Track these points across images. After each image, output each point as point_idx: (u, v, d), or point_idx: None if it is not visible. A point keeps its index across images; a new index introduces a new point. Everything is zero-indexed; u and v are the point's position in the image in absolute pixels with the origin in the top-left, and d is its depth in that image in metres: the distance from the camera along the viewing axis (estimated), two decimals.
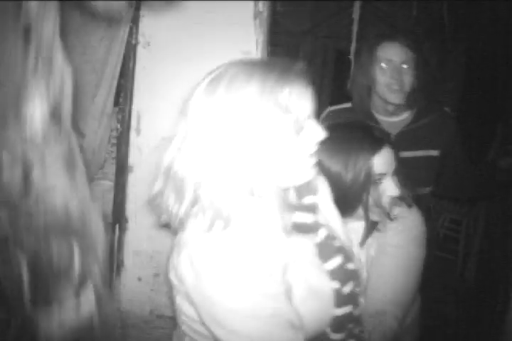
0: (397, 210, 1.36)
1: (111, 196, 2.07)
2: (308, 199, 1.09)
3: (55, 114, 0.74)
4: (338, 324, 1.05)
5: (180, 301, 1.02)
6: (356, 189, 1.27)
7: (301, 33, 3.67)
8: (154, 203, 1.02)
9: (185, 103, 1.01)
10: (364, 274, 1.30)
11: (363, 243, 1.36)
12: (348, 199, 1.27)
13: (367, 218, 1.30)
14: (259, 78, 0.97)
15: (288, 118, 0.97)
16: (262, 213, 1.01)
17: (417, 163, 1.82)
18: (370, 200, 1.28)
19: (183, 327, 1.06)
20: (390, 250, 1.34)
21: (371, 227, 1.36)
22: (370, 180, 1.27)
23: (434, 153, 1.85)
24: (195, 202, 0.98)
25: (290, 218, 1.02)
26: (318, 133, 1.01)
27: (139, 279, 2.04)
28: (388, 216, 1.34)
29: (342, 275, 1.07)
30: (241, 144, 0.96)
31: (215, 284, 0.93)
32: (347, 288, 1.06)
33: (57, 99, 0.72)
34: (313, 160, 1.03)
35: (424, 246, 1.38)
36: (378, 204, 1.29)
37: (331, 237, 1.10)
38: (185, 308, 1.02)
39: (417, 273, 1.35)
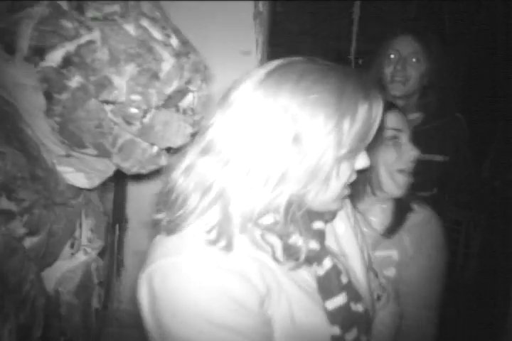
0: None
1: (111, 196, 2.07)
2: (317, 225, 0.91)
3: None
4: None
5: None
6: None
7: (301, 33, 3.67)
8: (163, 198, 0.87)
9: (229, 94, 0.85)
10: (379, 314, 1.10)
11: (391, 231, 1.22)
12: None
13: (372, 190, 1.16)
14: (337, 81, 0.80)
15: (354, 137, 0.81)
16: (256, 234, 0.85)
17: (421, 166, 1.82)
18: (384, 168, 1.14)
19: None
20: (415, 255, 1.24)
21: (401, 213, 1.22)
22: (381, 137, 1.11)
23: (439, 158, 1.83)
24: (206, 207, 0.83)
25: (298, 242, 0.85)
26: (365, 162, 0.88)
27: None
28: (402, 187, 1.19)
29: (345, 318, 0.87)
30: (292, 149, 0.79)
31: (171, 312, 0.78)
32: (350, 336, 0.87)
33: None
34: (347, 192, 0.89)
35: (444, 247, 1.29)
36: (395, 170, 1.17)
37: (337, 271, 0.91)
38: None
39: (441, 276, 1.27)
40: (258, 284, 0.81)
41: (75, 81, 0.79)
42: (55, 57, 0.78)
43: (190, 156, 0.85)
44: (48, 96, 0.80)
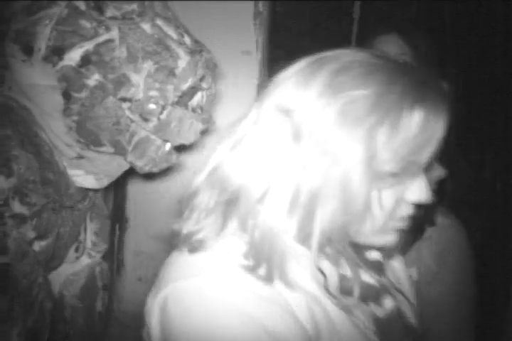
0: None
1: (111, 196, 2.07)
2: (373, 255, 0.77)
3: None
4: None
5: None
6: None
7: (301, 32, 3.67)
8: (184, 206, 0.73)
9: (269, 82, 0.72)
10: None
11: (405, 250, 1.06)
12: None
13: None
14: (386, 79, 0.62)
15: (396, 154, 0.64)
16: (302, 266, 0.68)
17: None
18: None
19: None
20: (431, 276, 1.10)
21: (411, 231, 1.07)
22: None
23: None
24: (242, 222, 0.68)
25: (355, 275, 0.69)
26: (421, 194, 0.71)
27: (139, 279, 2.03)
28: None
29: None
30: (316, 159, 0.63)
31: None
32: None
33: None
34: (404, 225, 0.72)
35: (470, 260, 1.13)
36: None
37: (400, 314, 0.75)
38: None
39: (471, 294, 1.12)
40: (306, 322, 0.64)
41: (93, 79, 0.81)
42: (73, 56, 0.80)
43: (218, 155, 0.71)
44: (67, 95, 0.82)
